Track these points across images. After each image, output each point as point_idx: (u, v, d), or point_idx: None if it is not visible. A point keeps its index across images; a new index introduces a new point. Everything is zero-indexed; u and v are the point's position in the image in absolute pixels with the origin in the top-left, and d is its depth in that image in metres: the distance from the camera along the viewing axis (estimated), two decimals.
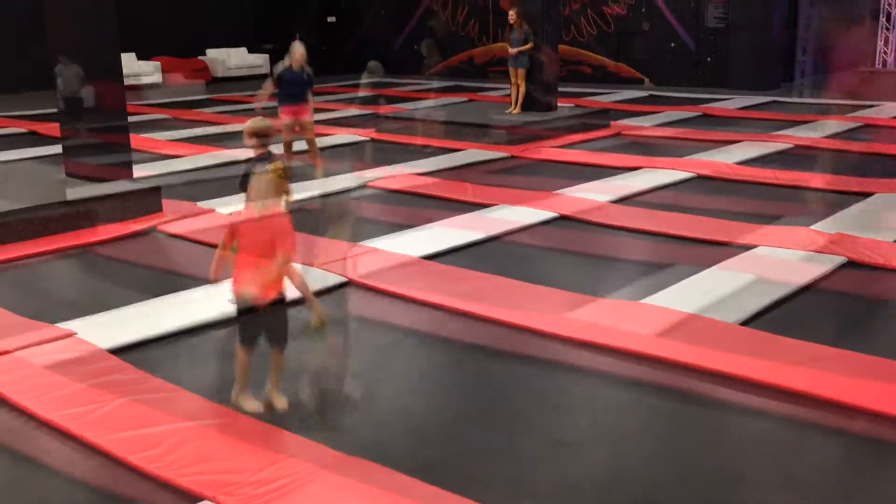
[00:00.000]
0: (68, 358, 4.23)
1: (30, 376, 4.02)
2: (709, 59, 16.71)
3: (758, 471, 3.28)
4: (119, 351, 4.36)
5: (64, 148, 7.78)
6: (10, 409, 3.81)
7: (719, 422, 3.71)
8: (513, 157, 10.04)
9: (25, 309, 4.96)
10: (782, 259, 5.72)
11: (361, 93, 14.31)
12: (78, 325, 4.65)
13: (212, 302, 5.00)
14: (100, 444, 3.41)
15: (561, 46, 14.79)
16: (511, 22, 11.20)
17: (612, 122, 12.07)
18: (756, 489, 3.16)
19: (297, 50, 8.42)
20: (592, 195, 7.68)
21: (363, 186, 8.46)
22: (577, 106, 13.08)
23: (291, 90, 8.45)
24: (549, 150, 10.27)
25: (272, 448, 3.37)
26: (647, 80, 17.25)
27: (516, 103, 11.44)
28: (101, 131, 7.53)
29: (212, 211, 7.31)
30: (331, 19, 21.31)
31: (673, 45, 17.05)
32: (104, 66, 7.40)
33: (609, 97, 15.36)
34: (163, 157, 9.96)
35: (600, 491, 3.17)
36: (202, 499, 3.04)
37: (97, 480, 3.28)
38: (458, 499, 3.03)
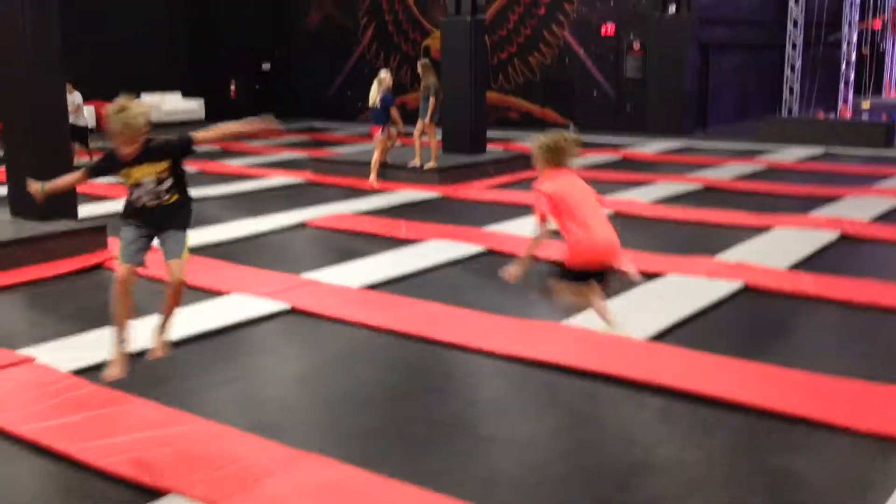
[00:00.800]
0: (30, 379, 4.51)
1: None
2: (628, 107, 17.68)
3: (658, 456, 3.77)
4: (79, 372, 4.66)
5: (9, 190, 7.98)
6: None
7: (622, 418, 4.21)
8: (444, 197, 10.58)
9: None
10: (688, 284, 6.31)
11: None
12: (35, 351, 4.93)
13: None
14: (69, 453, 3.71)
15: (489, 93, 15.53)
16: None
17: None
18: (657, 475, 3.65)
19: (388, 77, 10.96)
20: (516, 231, 8.23)
21: (303, 225, 8.86)
22: (505, 150, 13.75)
23: (381, 112, 10.91)
24: (477, 191, 10.83)
25: (229, 448, 3.72)
26: (571, 124, 18.11)
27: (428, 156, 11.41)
28: (44, 171, 7.75)
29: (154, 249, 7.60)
30: (265, 66, 21.76)
31: (595, 93, 17.99)
32: (49, 108, 7.66)
33: None
34: (103, 198, 10.19)
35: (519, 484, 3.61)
36: (169, 492, 3.38)
37: (69, 483, 3.59)
38: (402, 486, 3.43)
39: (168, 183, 4.00)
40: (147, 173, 3.91)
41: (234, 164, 13.53)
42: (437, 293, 6.27)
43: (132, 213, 4.01)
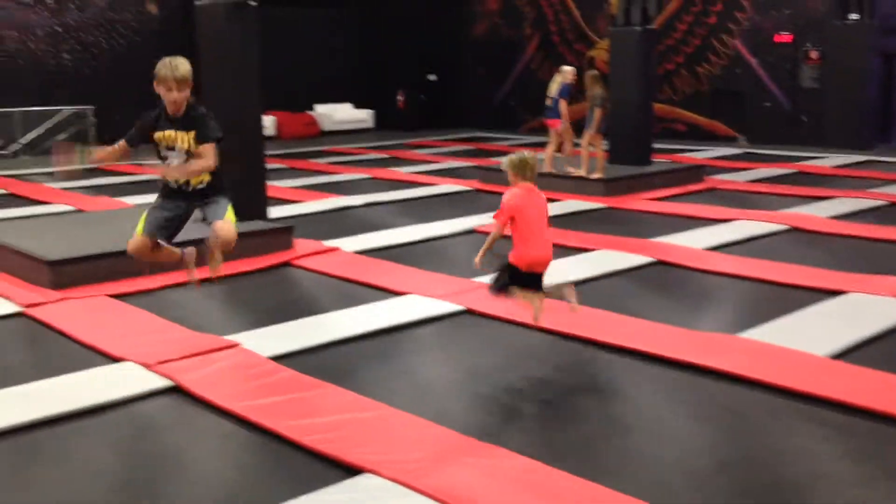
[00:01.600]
0: (237, 363, 5.00)
1: (208, 375, 4.80)
2: (803, 119, 17.01)
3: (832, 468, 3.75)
4: (277, 358, 5.12)
5: None
6: (194, 401, 4.58)
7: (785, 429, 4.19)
8: (609, 208, 10.63)
9: (191, 324, 5.81)
10: (871, 303, 6.11)
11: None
12: (238, 338, 5.45)
13: (346, 322, 5.80)
14: (276, 429, 4.12)
15: (656, 105, 15.40)
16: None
17: (705, 177, 12.54)
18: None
19: (571, 72, 11.41)
20: (686, 242, 8.19)
21: (472, 231, 9.18)
22: (672, 161, 13.60)
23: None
24: (643, 202, 10.82)
25: (416, 434, 4.02)
26: (741, 137, 17.61)
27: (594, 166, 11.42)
28: (243, 178, 8.45)
29: (337, 249, 8.14)
30: (432, 77, 22.42)
31: (768, 104, 17.42)
32: (248, 121, 8.35)
33: (703, 154, 15.82)
34: (286, 201, 10.91)
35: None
36: (364, 471, 3.70)
37: (275, 456, 3.99)
38: (581, 481, 3.60)
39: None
40: (182, 140, 3.82)
41: (403, 171, 14.07)
42: (605, 301, 6.38)
43: (165, 189, 4.00)
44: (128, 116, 18.67)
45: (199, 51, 8.43)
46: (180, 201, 4.09)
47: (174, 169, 3.98)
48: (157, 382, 4.74)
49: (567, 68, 11.54)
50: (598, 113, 11.08)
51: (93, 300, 6.37)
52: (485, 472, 3.66)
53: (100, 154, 4.05)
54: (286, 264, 7.72)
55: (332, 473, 3.76)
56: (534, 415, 4.49)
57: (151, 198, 11.51)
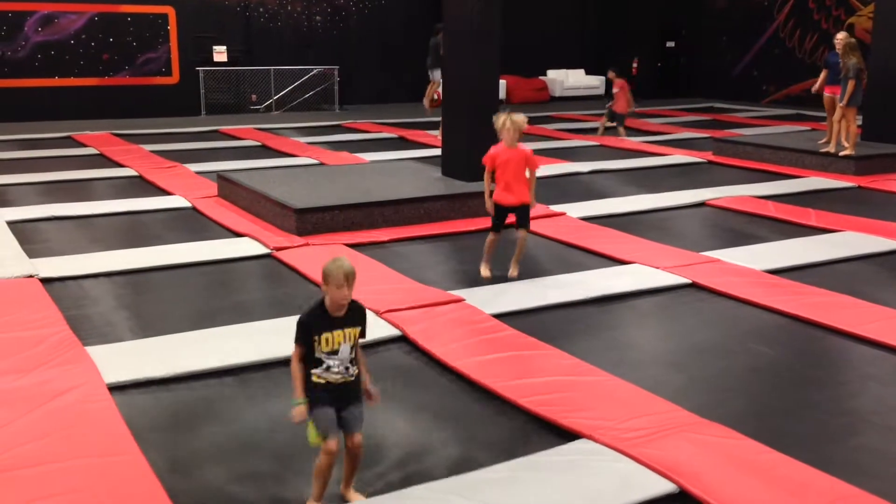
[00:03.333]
0: (461, 317, 5.16)
1: (433, 327, 4.98)
2: None
3: None
4: (499, 316, 5.22)
5: (443, 153, 9.00)
6: (420, 352, 4.78)
7: None
8: (859, 187, 9.81)
9: (418, 277, 6.05)
10: None
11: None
12: (464, 293, 5.61)
13: (568, 286, 5.79)
14: (494, 389, 4.21)
15: None
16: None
17: None
18: None
19: (845, 37, 10.45)
20: None
21: (702, 204, 8.82)
22: None
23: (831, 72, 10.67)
24: None
25: (634, 403, 3.96)
26: None
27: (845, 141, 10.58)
28: (475, 139, 8.63)
29: (563, 214, 8.13)
30: (669, 44, 21.64)
31: None
32: (485, 84, 8.49)
33: None
34: None
35: None
36: (581, 436, 3.70)
37: (492, 414, 4.09)
38: (809, 469, 3.40)
39: (353, 353, 3.25)
40: (348, 338, 3.20)
41: (633, 140, 13.75)
42: (847, 286, 5.93)
43: (321, 390, 3.20)
44: (368, 77, 19.50)
45: (444, 14, 8.66)
46: (331, 399, 3.28)
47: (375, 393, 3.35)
48: (386, 330, 4.99)
49: (841, 35, 10.58)
50: (851, 84, 10.18)
51: (331, 247, 6.80)
52: (707, 449, 3.54)
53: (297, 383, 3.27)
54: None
55: (549, 435, 3.79)
56: (759, 398, 4.28)
57: (389, 155, 12.09)
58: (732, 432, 3.71)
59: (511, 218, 6.14)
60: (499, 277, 6.12)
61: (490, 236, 6.17)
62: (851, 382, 4.49)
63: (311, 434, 3.14)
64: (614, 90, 14.24)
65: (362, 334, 3.29)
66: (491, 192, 6.05)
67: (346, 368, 3.21)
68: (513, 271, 6.13)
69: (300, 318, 3.20)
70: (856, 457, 3.66)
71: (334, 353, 3.19)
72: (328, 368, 3.18)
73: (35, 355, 4.50)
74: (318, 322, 3.17)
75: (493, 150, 5.97)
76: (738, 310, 5.54)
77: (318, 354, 3.14)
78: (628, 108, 14.29)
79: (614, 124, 14.24)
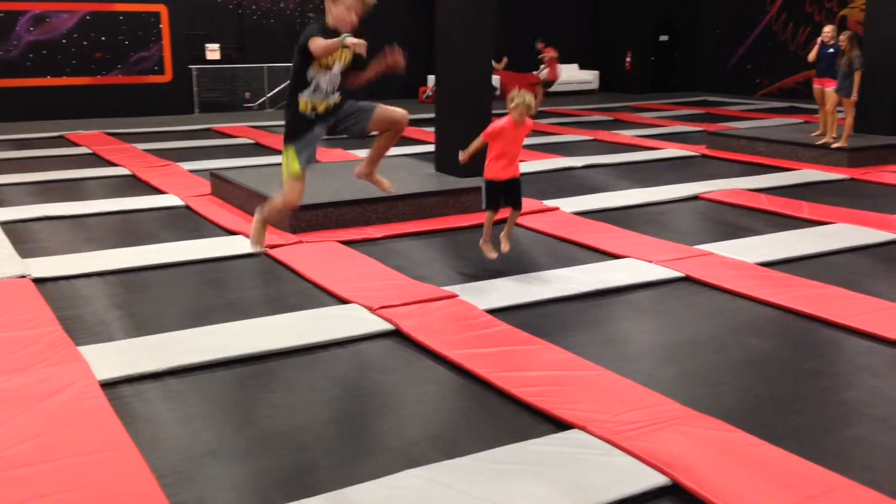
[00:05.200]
0: (455, 313, 5.16)
1: (427, 322, 4.99)
2: None
3: None
4: (493, 312, 5.23)
5: (437, 149, 9.00)
6: (414, 346, 4.79)
7: None
8: (852, 179, 9.83)
9: (411, 273, 6.05)
10: None
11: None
12: (458, 289, 5.62)
13: (562, 281, 5.80)
14: (489, 379, 4.22)
15: None
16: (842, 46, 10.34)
17: None
18: None
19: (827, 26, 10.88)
20: None
21: (695, 198, 8.84)
22: None
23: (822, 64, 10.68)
24: (894, 175, 9.90)
25: (628, 397, 3.97)
26: None
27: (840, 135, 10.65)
28: (468, 135, 8.62)
29: (556, 209, 8.13)
30: (663, 38, 21.64)
31: None
32: (479, 83, 8.49)
33: None
34: None
35: None
36: (574, 427, 3.71)
37: (486, 403, 4.09)
38: (802, 461, 3.41)
39: (342, 79, 3.36)
40: (342, 57, 3.31)
41: (626, 134, 13.76)
42: (840, 279, 5.95)
43: (307, 123, 3.36)
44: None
45: (436, 10, 8.66)
46: (318, 128, 3.51)
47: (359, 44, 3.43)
48: (380, 325, 4.99)
49: (827, 28, 10.86)
50: (857, 77, 10.19)
51: (325, 244, 6.80)
52: (700, 442, 3.55)
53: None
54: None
55: (542, 426, 3.80)
56: (752, 390, 4.28)
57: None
58: (725, 425, 3.72)
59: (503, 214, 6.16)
60: (492, 273, 6.12)
61: (488, 214, 6.15)
62: (844, 374, 4.50)
63: (292, 164, 3.14)
64: (546, 59, 15.43)
65: (359, 66, 3.41)
66: (476, 150, 6.02)
67: (333, 90, 3.32)
68: (504, 246, 6.16)
69: (310, 31, 3.35)
70: (848, 448, 3.67)
71: (329, 67, 3.27)
72: (316, 89, 3.28)
73: (28, 355, 4.49)
74: (324, 34, 3.26)
75: (499, 124, 5.89)
76: (732, 303, 5.55)
77: (309, 74, 3.15)
78: (556, 78, 15.60)
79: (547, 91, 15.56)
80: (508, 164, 5.96)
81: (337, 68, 3.22)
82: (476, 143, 5.97)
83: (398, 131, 3.41)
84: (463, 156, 6.03)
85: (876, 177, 9.82)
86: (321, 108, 3.21)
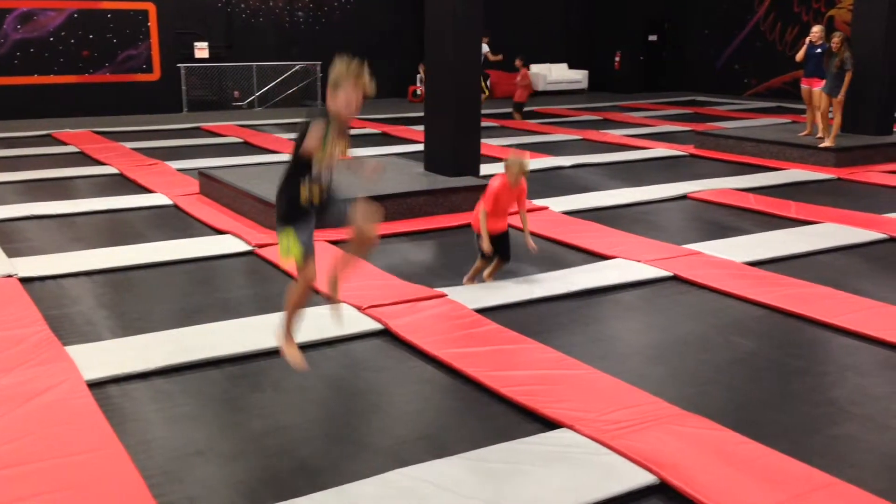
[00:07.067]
0: (444, 312, 5.17)
1: (416, 322, 4.99)
2: None
3: None
4: (482, 311, 5.23)
5: (426, 148, 8.99)
6: (403, 345, 4.78)
7: None
8: (839, 179, 9.89)
9: (400, 273, 6.05)
10: None
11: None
12: (446, 289, 5.62)
13: (551, 280, 5.81)
14: (477, 378, 4.23)
15: None
16: (833, 48, 10.40)
17: None
18: None
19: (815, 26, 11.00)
20: None
21: (684, 197, 8.87)
22: None
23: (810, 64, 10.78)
24: (879, 175, 9.96)
25: (615, 396, 3.98)
26: None
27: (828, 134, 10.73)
28: (459, 134, 8.63)
29: (545, 209, 8.14)
30: (652, 38, 21.70)
31: None
32: (467, 79, 8.48)
33: None
34: (498, 159, 11.01)
35: None
36: (562, 426, 3.72)
37: (474, 402, 4.10)
38: (788, 459, 3.43)
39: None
40: (343, 147, 3.29)
41: (615, 133, 13.79)
42: (827, 278, 5.98)
43: (304, 212, 3.31)
44: None
45: (425, 9, 8.65)
46: (312, 213, 3.45)
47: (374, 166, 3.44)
48: (369, 325, 4.99)
49: (816, 27, 11.01)
50: (848, 77, 10.26)
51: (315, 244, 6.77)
52: (688, 440, 3.57)
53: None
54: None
55: (530, 426, 3.81)
56: (739, 389, 4.31)
57: (372, 150, 12.08)
58: (713, 423, 3.74)
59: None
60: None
61: (478, 263, 5.92)
62: (830, 373, 4.53)
63: (291, 248, 3.14)
64: (518, 79, 15.38)
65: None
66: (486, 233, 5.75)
67: (330, 180, 3.31)
68: (488, 277, 5.98)
69: (311, 117, 3.24)
70: (834, 446, 3.69)
71: (331, 160, 3.26)
72: (317, 178, 3.27)
73: (14, 355, 4.47)
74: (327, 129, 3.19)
75: (494, 186, 5.75)
76: (719, 302, 5.58)
77: (313, 165, 3.16)
78: (526, 98, 15.63)
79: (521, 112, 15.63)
80: (499, 219, 5.85)
81: (336, 159, 3.24)
82: (484, 223, 5.71)
83: (363, 248, 3.32)
84: (485, 245, 5.70)
85: (863, 176, 9.88)
86: (316, 198, 3.23)
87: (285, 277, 6.08)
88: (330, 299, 3.35)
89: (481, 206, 5.78)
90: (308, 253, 3.28)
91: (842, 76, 10.30)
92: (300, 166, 3.19)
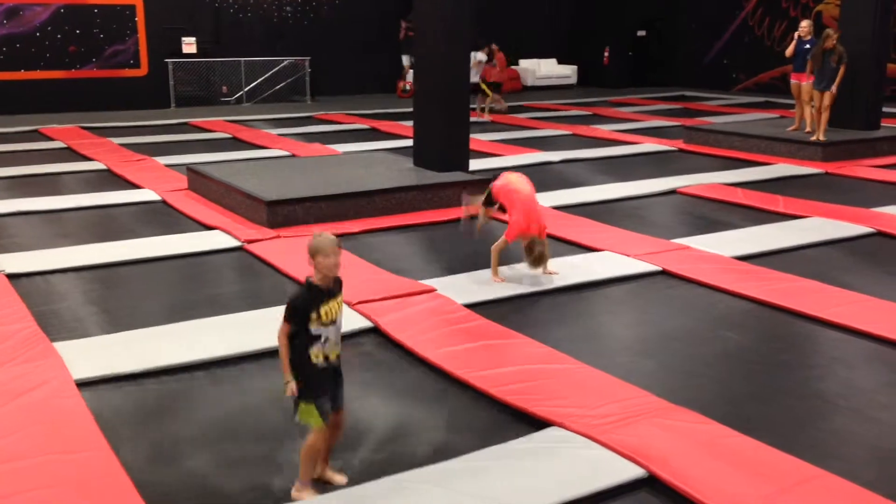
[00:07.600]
0: (433, 307, 5.16)
1: (406, 318, 4.98)
2: None
3: None
4: (471, 306, 5.23)
5: (415, 143, 8.98)
6: (392, 344, 4.77)
7: None
8: (826, 173, 9.93)
9: (389, 267, 6.04)
10: None
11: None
12: (434, 283, 5.61)
13: (539, 275, 5.81)
14: (466, 379, 4.22)
15: (890, 65, 14.10)
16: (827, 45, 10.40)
17: None
18: None
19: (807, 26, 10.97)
20: None
21: (673, 192, 8.89)
22: None
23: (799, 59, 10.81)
24: (866, 169, 10.01)
25: (605, 391, 3.99)
26: None
27: (817, 129, 10.73)
28: (447, 129, 8.62)
29: None
30: (640, 33, 21.71)
31: None
32: (455, 74, 8.46)
33: None
34: (487, 154, 11.02)
35: None
36: (552, 424, 3.72)
37: (464, 405, 4.10)
38: (777, 453, 3.45)
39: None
40: (339, 307, 3.23)
41: (605, 128, 13.81)
42: (815, 272, 6.01)
43: (321, 374, 3.20)
44: (339, 67, 19.57)
45: (413, 3, 8.63)
46: (331, 373, 3.31)
47: None
48: (359, 322, 4.97)
49: (804, 23, 11.06)
50: (842, 71, 10.29)
51: (303, 239, 6.75)
52: (676, 434, 3.58)
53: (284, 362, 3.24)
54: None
55: (521, 424, 3.80)
56: (728, 383, 4.32)
57: (361, 146, 12.04)
58: (701, 417, 3.75)
59: None
60: (470, 267, 6.11)
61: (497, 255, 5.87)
62: (818, 366, 4.55)
63: (310, 416, 3.15)
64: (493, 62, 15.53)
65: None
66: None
67: (338, 339, 3.24)
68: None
69: (293, 303, 3.21)
70: (822, 439, 3.71)
71: (332, 322, 3.20)
72: (326, 341, 3.19)
73: (1, 351, 4.44)
74: (314, 298, 3.18)
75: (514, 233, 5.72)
76: (708, 296, 5.59)
77: (315, 330, 3.14)
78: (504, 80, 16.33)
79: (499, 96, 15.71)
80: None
81: (340, 320, 3.24)
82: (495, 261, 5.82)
83: (336, 436, 3.33)
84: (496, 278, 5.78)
85: (850, 171, 9.92)
86: (332, 357, 3.22)
87: (274, 273, 6.07)
88: (321, 477, 3.32)
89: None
90: (327, 420, 3.19)
91: (836, 71, 10.33)
92: (302, 336, 3.17)
